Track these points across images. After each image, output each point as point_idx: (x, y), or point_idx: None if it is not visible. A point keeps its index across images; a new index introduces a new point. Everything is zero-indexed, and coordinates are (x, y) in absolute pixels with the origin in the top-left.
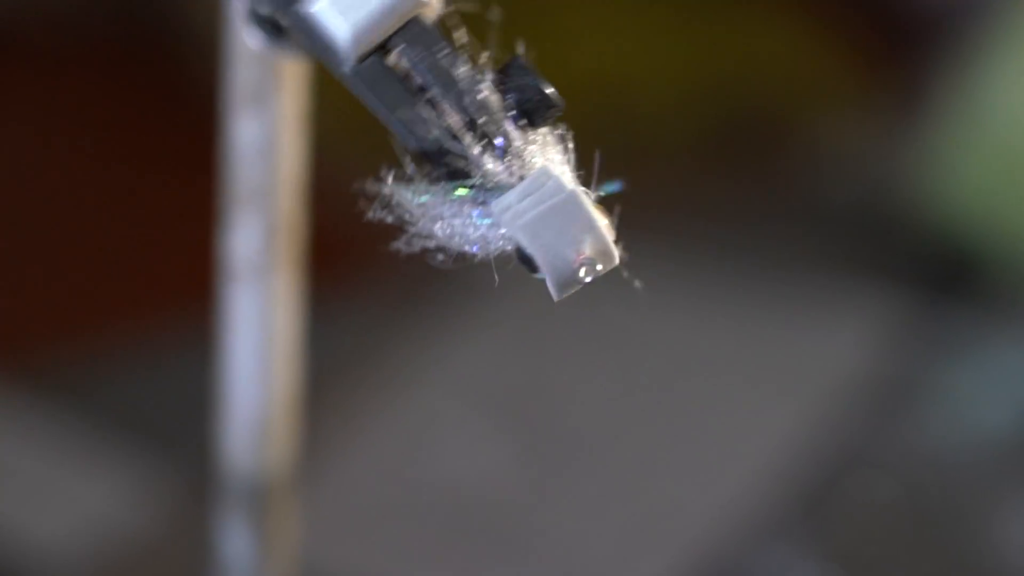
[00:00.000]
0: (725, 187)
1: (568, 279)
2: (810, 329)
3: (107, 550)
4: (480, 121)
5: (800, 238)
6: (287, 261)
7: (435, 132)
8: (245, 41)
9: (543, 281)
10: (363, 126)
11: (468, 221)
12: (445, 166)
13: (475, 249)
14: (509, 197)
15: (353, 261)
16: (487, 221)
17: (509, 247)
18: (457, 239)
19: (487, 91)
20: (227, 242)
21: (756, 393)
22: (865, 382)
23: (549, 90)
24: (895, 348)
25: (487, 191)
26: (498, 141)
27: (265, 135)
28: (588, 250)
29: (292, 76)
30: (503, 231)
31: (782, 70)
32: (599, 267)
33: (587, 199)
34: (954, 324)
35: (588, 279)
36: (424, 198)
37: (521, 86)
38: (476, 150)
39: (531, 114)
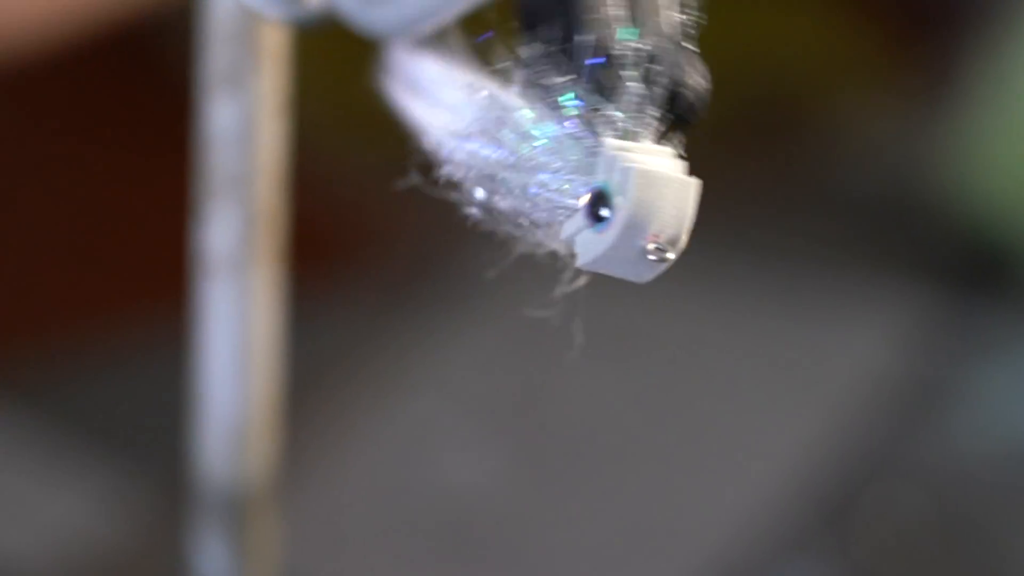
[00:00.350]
0: (743, 176)
1: (632, 247)
2: (831, 327)
3: (75, 564)
4: (657, 67)
5: (821, 229)
6: (266, 255)
7: (618, 37)
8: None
9: (552, 261)
10: (349, 110)
11: (571, 146)
12: (598, 76)
13: (557, 179)
14: (631, 144)
15: (338, 255)
16: (590, 155)
17: (583, 192)
18: (544, 163)
19: (676, 48)
20: (202, 235)
21: (772, 395)
22: (890, 384)
23: (702, 101)
24: (922, 348)
25: (601, 128)
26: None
27: (242, 119)
28: (665, 235)
29: (272, 56)
30: (607, 168)
31: (804, 52)
32: (667, 254)
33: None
34: (985, 322)
35: (652, 258)
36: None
37: (695, 77)
38: (639, 83)
39: (675, 104)
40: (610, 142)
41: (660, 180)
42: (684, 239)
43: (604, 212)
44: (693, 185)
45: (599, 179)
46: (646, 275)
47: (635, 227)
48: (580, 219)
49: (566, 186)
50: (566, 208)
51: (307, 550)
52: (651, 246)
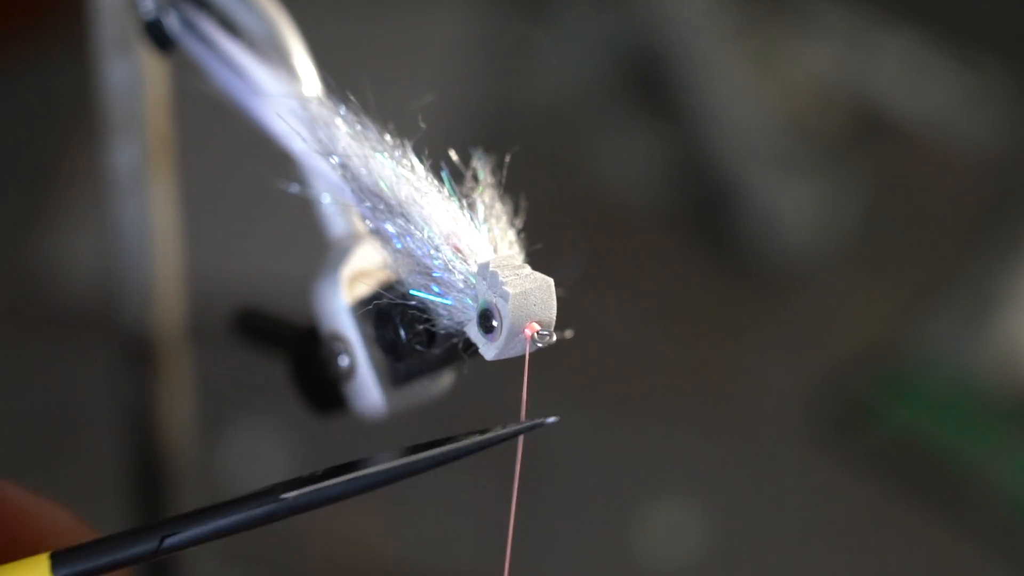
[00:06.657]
0: None
1: (519, 341)
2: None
3: None
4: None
5: None
6: (160, 171)
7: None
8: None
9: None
10: None
11: (459, 281)
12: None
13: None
14: (502, 275)
15: None
16: (473, 284)
17: (474, 310)
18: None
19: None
20: (110, 161)
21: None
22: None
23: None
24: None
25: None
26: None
27: (134, 73)
28: (543, 324)
29: None
30: (488, 293)
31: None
32: (548, 337)
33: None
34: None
35: (538, 345)
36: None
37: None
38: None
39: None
40: (484, 264)
41: (529, 290)
42: (554, 321)
43: (493, 323)
44: (551, 282)
45: (481, 300)
46: (534, 349)
47: (516, 330)
48: (475, 332)
49: (457, 304)
50: (463, 319)
51: None
52: (535, 335)
